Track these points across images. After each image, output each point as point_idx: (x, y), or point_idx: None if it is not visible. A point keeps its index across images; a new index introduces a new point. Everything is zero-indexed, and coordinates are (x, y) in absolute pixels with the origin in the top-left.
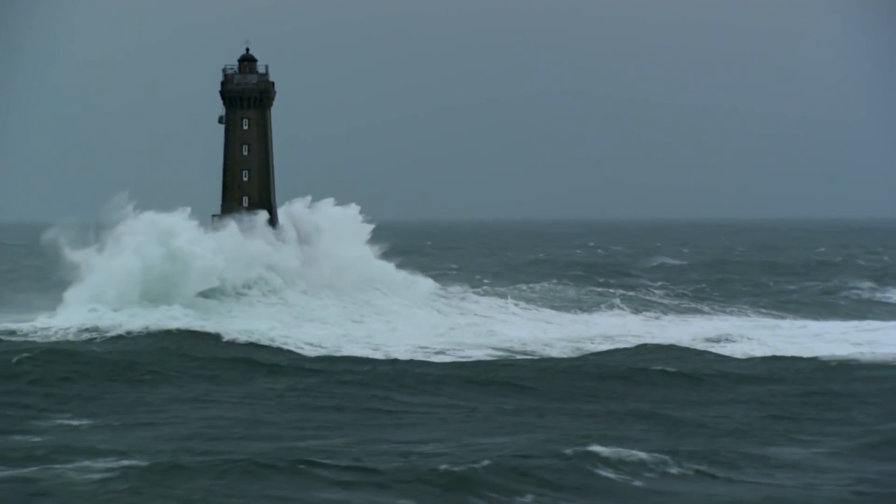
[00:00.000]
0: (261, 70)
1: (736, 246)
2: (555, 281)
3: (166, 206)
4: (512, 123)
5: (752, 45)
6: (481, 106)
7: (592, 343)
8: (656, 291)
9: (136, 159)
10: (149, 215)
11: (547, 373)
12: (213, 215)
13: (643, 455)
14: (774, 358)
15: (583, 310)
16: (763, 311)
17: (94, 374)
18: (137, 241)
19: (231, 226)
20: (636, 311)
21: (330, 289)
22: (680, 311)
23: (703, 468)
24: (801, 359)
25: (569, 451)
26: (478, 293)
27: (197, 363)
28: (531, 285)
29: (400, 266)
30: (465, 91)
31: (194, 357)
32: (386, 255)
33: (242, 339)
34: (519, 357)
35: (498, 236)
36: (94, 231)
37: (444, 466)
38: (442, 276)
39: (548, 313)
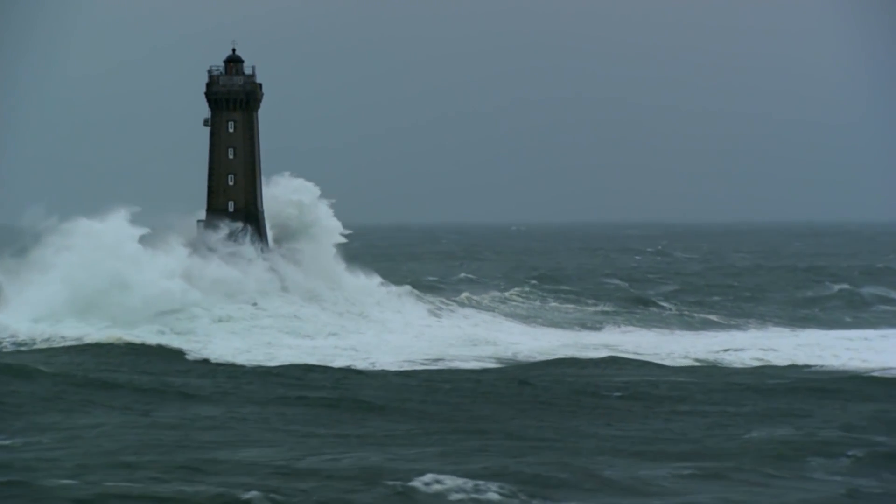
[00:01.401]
0: (247, 71)
1: (803, 251)
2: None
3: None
4: (513, 129)
5: (748, 47)
6: (485, 112)
7: (596, 350)
8: (665, 304)
9: (130, 164)
10: (82, 225)
11: (485, 392)
12: (199, 220)
13: (501, 486)
14: (745, 370)
15: (586, 326)
16: (780, 320)
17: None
18: (68, 265)
19: (177, 248)
20: (647, 327)
21: (312, 299)
22: (695, 324)
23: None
24: (770, 371)
25: (417, 483)
26: (473, 306)
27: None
28: (518, 292)
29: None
30: (468, 98)
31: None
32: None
33: (215, 358)
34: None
35: (565, 241)
36: (12, 246)
37: (252, 493)
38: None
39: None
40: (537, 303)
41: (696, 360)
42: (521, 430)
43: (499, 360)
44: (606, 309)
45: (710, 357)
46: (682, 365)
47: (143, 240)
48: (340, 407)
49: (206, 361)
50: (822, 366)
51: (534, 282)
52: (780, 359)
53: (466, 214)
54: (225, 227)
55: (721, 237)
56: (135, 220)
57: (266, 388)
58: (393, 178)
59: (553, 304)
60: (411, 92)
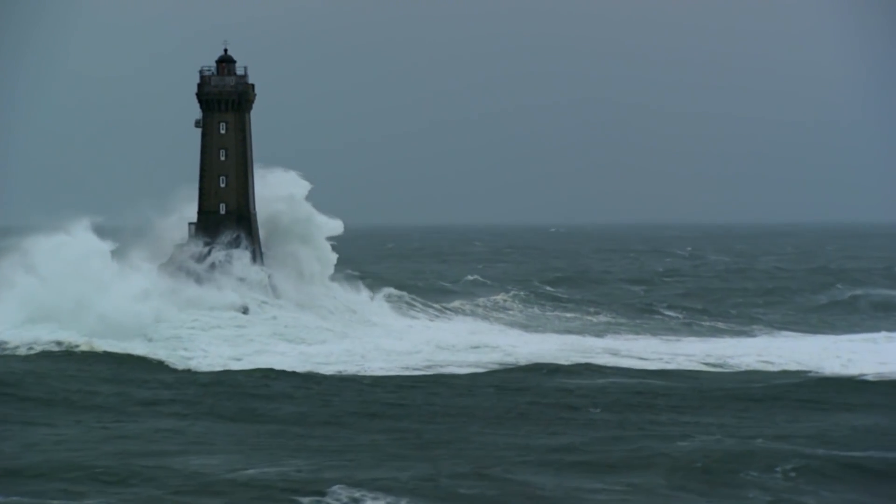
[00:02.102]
0: (239, 72)
1: (835, 253)
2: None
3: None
4: (513, 134)
5: (744, 48)
6: (489, 117)
7: (599, 355)
8: (673, 312)
9: (124, 168)
10: (44, 241)
11: (446, 405)
12: (190, 223)
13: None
14: (733, 377)
15: (581, 333)
16: (793, 325)
17: None
18: (30, 287)
19: (149, 266)
20: (653, 334)
21: (306, 306)
22: (702, 331)
23: None
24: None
25: (329, 499)
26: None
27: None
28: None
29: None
30: (491, 100)
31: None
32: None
33: (204, 367)
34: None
35: (601, 242)
36: None
37: None
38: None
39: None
40: (535, 309)
41: (689, 366)
42: (473, 439)
43: (480, 365)
44: (610, 315)
45: (704, 364)
46: (669, 371)
47: (117, 253)
48: (309, 416)
49: (188, 371)
50: (816, 371)
51: (548, 287)
52: (779, 364)
53: (510, 216)
54: (199, 244)
55: (758, 238)
56: (105, 230)
57: (234, 397)
58: (434, 178)
59: (551, 312)
60: (422, 95)
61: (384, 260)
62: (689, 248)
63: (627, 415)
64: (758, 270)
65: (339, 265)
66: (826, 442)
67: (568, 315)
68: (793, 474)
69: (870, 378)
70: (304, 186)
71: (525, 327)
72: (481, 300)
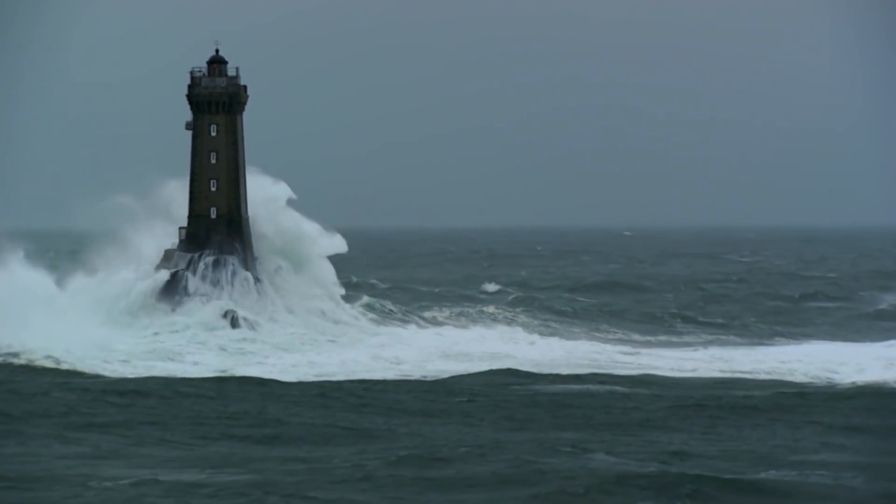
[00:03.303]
0: (231, 73)
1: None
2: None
3: None
4: (516, 140)
5: (741, 51)
6: (497, 125)
7: (596, 363)
8: (683, 325)
9: (119, 170)
10: None
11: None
12: (181, 227)
13: None
14: (717, 385)
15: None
16: (819, 335)
17: None
18: None
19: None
20: (665, 345)
21: (298, 317)
22: (715, 341)
23: None
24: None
25: None
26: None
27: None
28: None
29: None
30: (474, 110)
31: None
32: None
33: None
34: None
35: (666, 245)
36: None
37: None
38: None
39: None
40: (537, 322)
41: (684, 374)
42: (372, 454)
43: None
44: (623, 330)
45: (708, 373)
46: (659, 379)
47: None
48: (248, 436)
49: (166, 378)
50: (810, 382)
51: (580, 297)
52: (789, 373)
53: (588, 218)
54: (190, 250)
55: (833, 242)
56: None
57: (190, 416)
58: (507, 180)
59: (557, 324)
60: (430, 101)
61: (438, 264)
62: (746, 252)
63: (583, 431)
64: (802, 276)
65: (374, 269)
66: (755, 462)
67: (575, 330)
68: (687, 496)
69: (860, 383)
70: (283, 189)
71: (523, 336)
72: (471, 310)
